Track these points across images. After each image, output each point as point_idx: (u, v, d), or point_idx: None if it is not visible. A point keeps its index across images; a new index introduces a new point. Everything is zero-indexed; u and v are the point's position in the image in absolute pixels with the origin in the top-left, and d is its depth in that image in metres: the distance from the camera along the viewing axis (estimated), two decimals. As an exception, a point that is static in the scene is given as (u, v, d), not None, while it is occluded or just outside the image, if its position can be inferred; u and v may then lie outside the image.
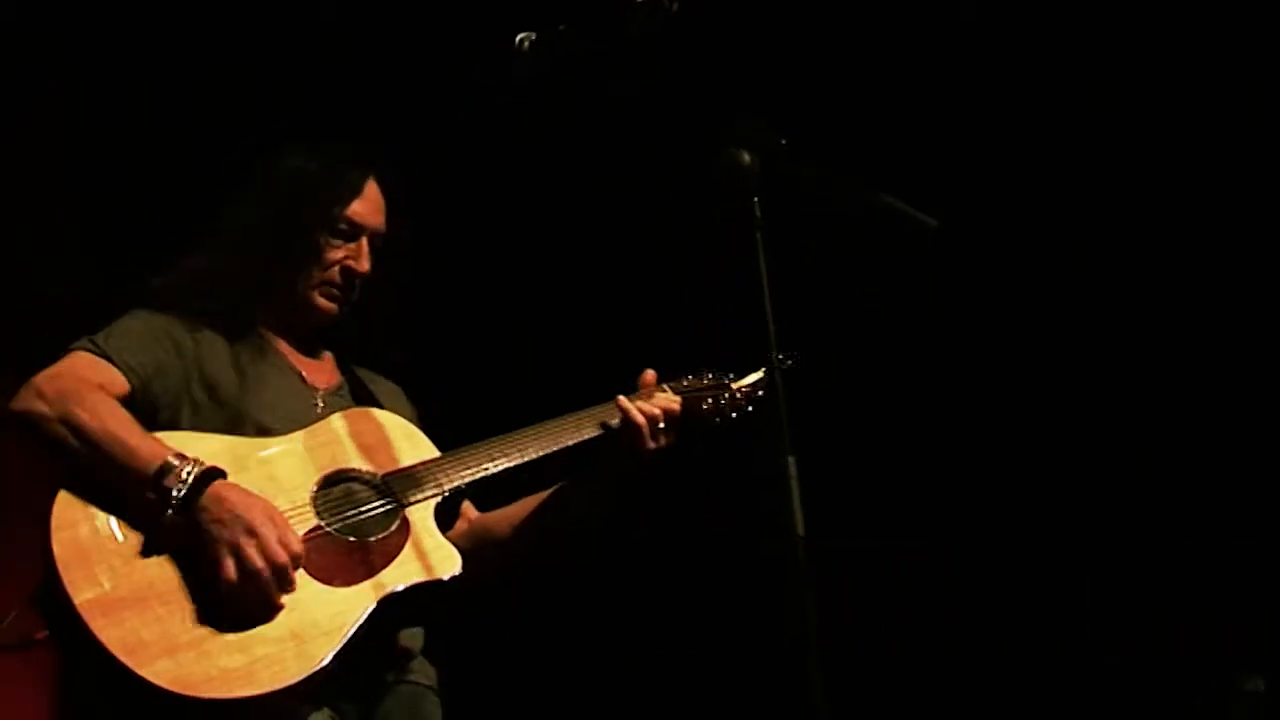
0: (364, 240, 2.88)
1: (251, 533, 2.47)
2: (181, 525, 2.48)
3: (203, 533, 2.48)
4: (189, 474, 2.50)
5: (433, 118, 4.31)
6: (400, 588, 2.58)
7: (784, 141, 2.17)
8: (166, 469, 2.49)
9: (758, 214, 2.12)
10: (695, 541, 4.54)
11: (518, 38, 2.29)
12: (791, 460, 2.08)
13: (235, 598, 2.47)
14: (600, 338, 4.18)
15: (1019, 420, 4.44)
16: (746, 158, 2.14)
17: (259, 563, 2.46)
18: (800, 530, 2.05)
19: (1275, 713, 4.01)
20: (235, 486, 2.54)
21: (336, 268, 2.87)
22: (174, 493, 2.48)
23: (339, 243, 2.87)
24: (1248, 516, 4.22)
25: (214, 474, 2.52)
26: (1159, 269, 4.33)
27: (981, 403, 4.47)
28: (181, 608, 2.45)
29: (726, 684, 4.46)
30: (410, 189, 2.99)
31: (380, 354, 3.05)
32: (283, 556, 2.48)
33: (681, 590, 4.56)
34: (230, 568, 2.46)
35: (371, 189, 2.91)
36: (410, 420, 2.97)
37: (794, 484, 2.07)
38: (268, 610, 2.49)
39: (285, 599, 2.49)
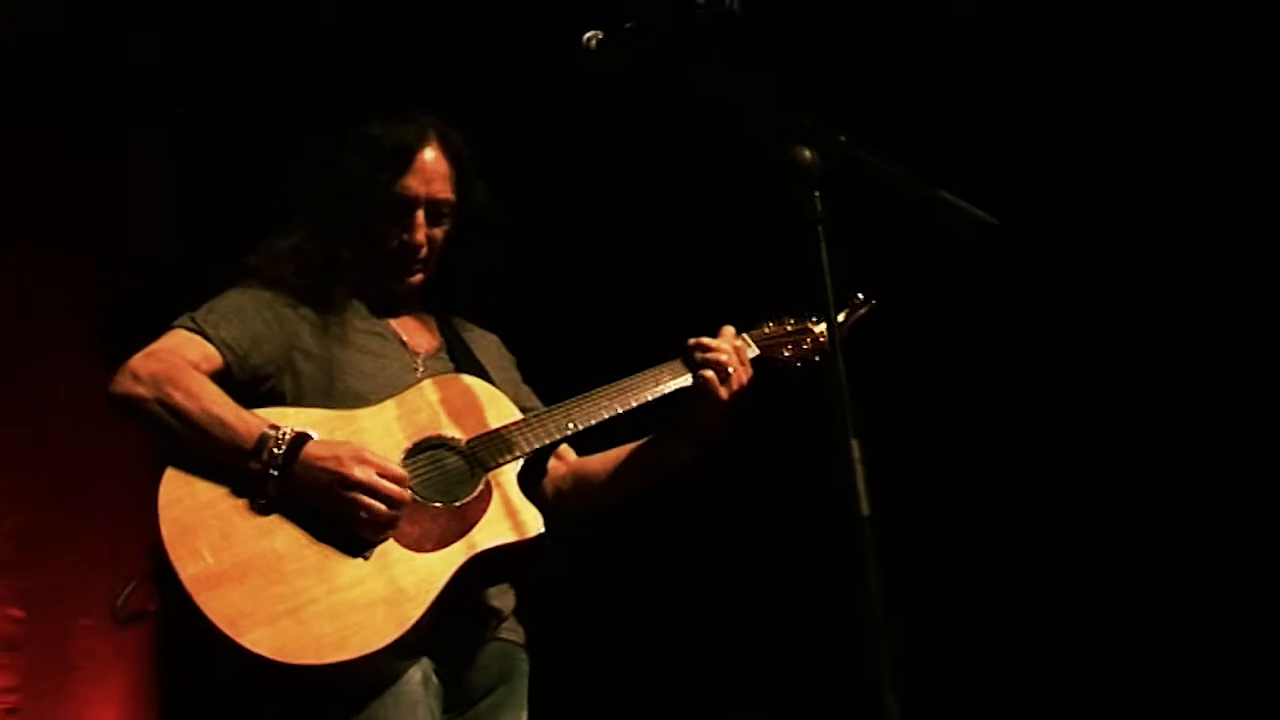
0: (418, 213, 2.94)
1: (351, 472, 2.60)
2: (284, 490, 2.61)
3: (307, 487, 2.61)
4: (285, 435, 2.63)
5: (522, 92, 4.44)
6: (486, 548, 2.69)
7: (844, 138, 2.19)
8: (265, 439, 2.62)
9: (819, 208, 2.15)
10: (765, 518, 4.60)
11: (585, 36, 2.33)
12: (856, 443, 2.10)
13: (356, 534, 2.62)
14: (682, 296, 4.22)
15: (1082, 406, 4.40)
16: (808, 154, 2.17)
17: (368, 498, 2.60)
18: (865, 511, 2.09)
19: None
20: (324, 441, 2.66)
21: (396, 243, 2.95)
22: (275, 459, 2.61)
23: (394, 219, 2.94)
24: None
25: (304, 437, 2.65)
26: (1227, 260, 4.27)
27: (1049, 387, 4.44)
28: (280, 578, 2.57)
29: (794, 660, 4.52)
30: (498, 160, 3.04)
31: (476, 308, 3.14)
32: (387, 485, 2.62)
33: (756, 564, 4.61)
34: (345, 507, 2.60)
35: (422, 159, 2.94)
36: (508, 367, 3.09)
37: (859, 466, 2.10)
38: (387, 532, 2.64)
39: (376, 564, 2.61)
